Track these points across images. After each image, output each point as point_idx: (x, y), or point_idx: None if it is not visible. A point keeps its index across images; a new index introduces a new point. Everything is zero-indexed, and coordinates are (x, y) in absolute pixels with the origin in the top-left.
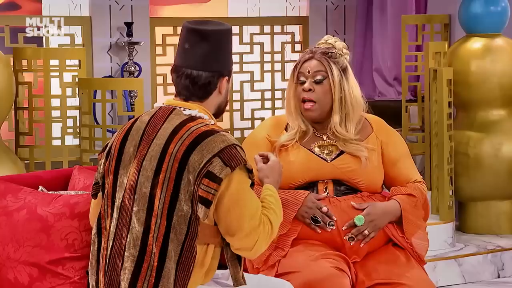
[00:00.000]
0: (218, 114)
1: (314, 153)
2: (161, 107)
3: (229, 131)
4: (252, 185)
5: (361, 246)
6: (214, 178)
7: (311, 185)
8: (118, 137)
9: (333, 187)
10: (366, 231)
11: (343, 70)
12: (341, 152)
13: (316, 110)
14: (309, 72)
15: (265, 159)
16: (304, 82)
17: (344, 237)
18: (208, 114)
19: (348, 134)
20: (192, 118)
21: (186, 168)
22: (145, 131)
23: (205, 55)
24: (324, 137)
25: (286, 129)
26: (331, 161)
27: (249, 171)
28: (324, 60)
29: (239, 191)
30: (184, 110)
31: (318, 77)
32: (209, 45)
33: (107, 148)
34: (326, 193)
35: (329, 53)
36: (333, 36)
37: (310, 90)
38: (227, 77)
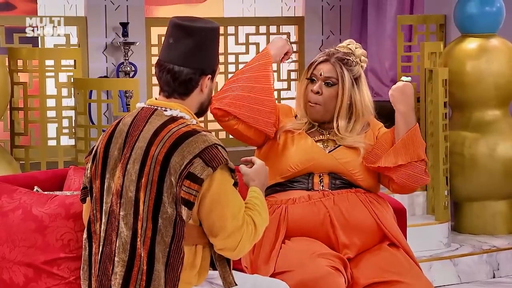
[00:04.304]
0: (201, 113)
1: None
2: (143, 107)
3: (225, 131)
4: (235, 184)
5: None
6: (195, 179)
7: (307, 177)
8: (103, 141)
9: (329, 180)
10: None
11: (356, 79)
12: (339, 146)
13: (319, 112)
14: (321, 75)
15: (250, 164)
16: (314, 81)
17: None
18: (189, 114)
19: (351, 135)
20: (173, 119)
21: (167, 170)
22: (128, 134)
23: (188, 52)
24: (326, 133)
25: (295, 118)
26: (329, 152)
27: (231, 171)
28: (338, 66)
29: (221, 191)
30: (165, 110)
31: (329, 81)
32: (193, 41)
33: (93, 152)
34: (320, 186)
35: (345, 60)
36: (355, 42)
37: (318, 93)
38: (209, 76)
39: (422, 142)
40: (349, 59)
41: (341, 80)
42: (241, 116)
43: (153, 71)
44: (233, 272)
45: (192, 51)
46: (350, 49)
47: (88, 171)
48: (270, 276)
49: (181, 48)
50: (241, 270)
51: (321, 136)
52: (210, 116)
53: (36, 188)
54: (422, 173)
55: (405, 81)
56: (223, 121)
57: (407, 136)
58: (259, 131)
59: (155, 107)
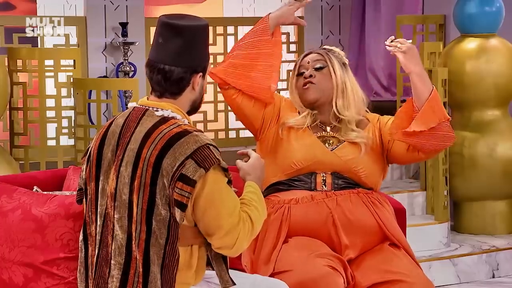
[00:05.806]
0: (193, 110)
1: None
2: (134, 107)
3: (224, 132)
4: (229, 182)
5: (392, 51)
6: (187, 181)
7: (309, 176)
8: (96, 142)
9: (332, 180)
10: (403, 46)
11: (343, 64)
12: (341, 143)
13: (315, 91)
14: (308, 63)
15: (246, 158)
16: (304, 73)
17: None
18: (181, 113)
19: (350, 114)
20: (164, 120)
21: (160, 172)
22: (121, 135)
23: (178, 51)
24: (328, 129)
25: (299, 113)
26: (332, 150)
27: (224, 170)
28: (324, 52)
29: (215, 191)
30: (156, 110)
31: (318, 65)
32: (182, 40)
33: (88, 153)
34: (323, 186)
35: (329, 49)
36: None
37: (310, 76)
38: (201, 74)
39: (441, 101)
40: (332, 49)
41: (329, 62)
42: (234, 84)
43: None
44: (233, 271)
45: (182, 50)
46: (330, 48)
47: (83, 172)
48: (270, 276)
49: (171, 47)
50: (241, 270)
51: (323, 132)
52: (209, 116)
53: (35, 188)
54: (450, 131)
55: (410, 43)
56: (223, 89)
57: (431, 98)
58: (257, 109)
59: (147, 107)
